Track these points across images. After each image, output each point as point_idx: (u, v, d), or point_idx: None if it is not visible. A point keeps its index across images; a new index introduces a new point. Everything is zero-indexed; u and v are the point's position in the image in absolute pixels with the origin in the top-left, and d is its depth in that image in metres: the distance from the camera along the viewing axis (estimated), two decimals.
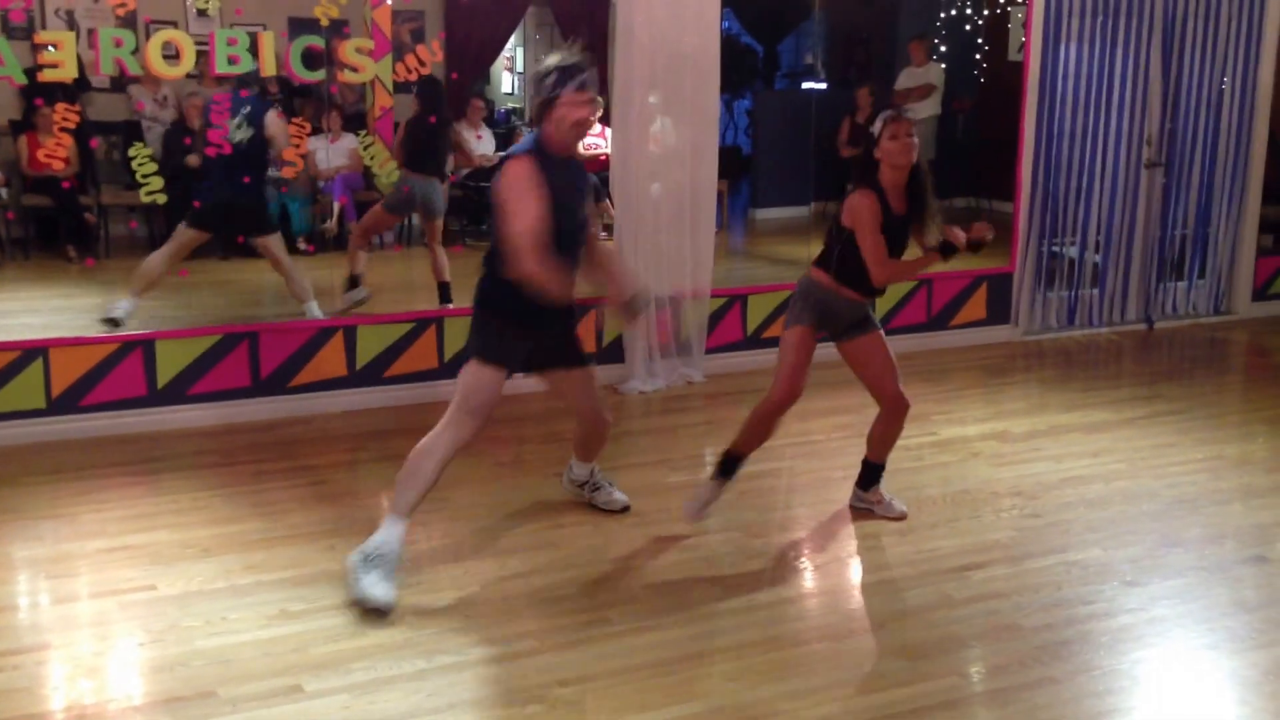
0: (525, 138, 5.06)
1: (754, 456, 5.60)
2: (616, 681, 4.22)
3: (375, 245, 9.29)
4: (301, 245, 9.84)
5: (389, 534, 4.83)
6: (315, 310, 7.82)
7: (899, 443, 5.71)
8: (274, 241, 7.87)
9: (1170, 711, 4.12)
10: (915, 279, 5.46)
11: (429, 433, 4.97)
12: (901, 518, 5.67)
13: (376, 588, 4.68)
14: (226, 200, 7.52)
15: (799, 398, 5.44)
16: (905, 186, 5.34)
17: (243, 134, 7.40)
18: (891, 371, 5.50)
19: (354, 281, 8.36)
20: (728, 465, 5.57)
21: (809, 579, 5.17)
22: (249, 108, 7.41)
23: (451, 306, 8.20)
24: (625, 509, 5.70)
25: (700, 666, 4.34)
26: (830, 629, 4.68)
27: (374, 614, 4.63)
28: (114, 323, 7.26)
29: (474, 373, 5.03)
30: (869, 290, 5.40)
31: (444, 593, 4.89)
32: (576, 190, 5.01)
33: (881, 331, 5.54)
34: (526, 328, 5.02)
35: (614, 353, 7.92)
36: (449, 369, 7.51)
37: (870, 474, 5.76)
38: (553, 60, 4.85)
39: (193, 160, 7.97)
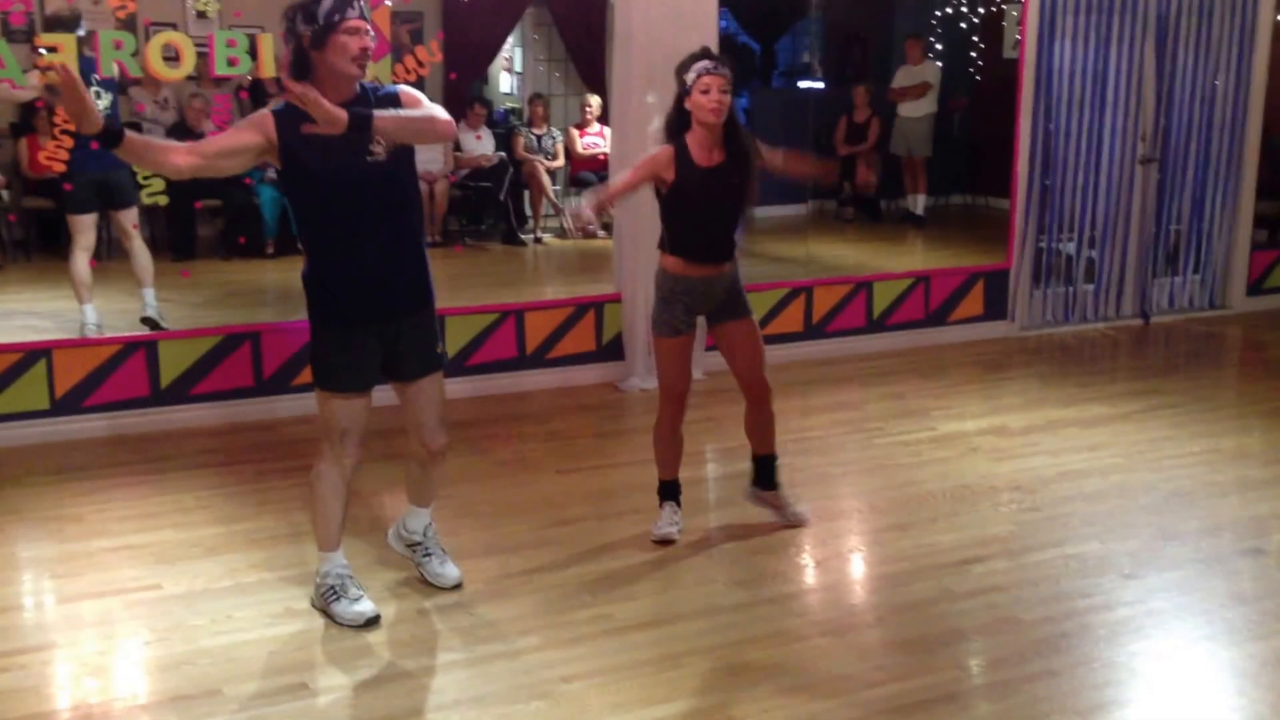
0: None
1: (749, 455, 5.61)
2: (620, 677, 4.24)
3: None
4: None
5: (324, 567, 4.70)
6: (150, 298, 7.81)
7: (899, 438, 5.72)
8: (134, 215, 7.80)
9: (1169, 703, 4.15)
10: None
11: (314, 470, 4.65)
12: (801, 524, 5.53)
13: (349, 612, 4.59)
14: (98, 178, 7.44)
15: (684, 403, 5.33)
16: (721, 141, 4.98)
17: (100, 102, 7.31)
18: (749, 358, 5.30)
19: None
20: (675, 493, 5.48)
21: (810, 574, 5.19)
22: (99, 84, 7.31)
23: None
24: (456, 586, 4.90)
25: (703, 662, 4.36)
26: (831, 624, 4.70)
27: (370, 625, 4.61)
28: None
29: (321, 401, 4.52)
30: (702, 253, 5.07)
31: (447, 590, 4.91)
32: (363, 143, 4.22)
33: (753, 318, 5.29)
34: (353, 326, 4.43)
35: (614, 350, 7.95)
36: (450, 369, 7.51)
37: (763, 468, 5.53)
38: None
39: None
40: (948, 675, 4.29)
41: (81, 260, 7.60)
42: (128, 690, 4.20)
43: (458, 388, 7.17)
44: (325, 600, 4.65)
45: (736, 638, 4.54)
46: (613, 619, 4.67)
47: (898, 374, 8.25)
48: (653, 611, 4.75)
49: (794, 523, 5.52)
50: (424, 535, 4.97)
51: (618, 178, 5.15)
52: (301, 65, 4.15)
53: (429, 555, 4.95)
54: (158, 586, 4.95)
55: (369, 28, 4.18)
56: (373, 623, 4.58)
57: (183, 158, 4.14)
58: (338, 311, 4.41)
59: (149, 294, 7.82)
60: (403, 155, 4.39)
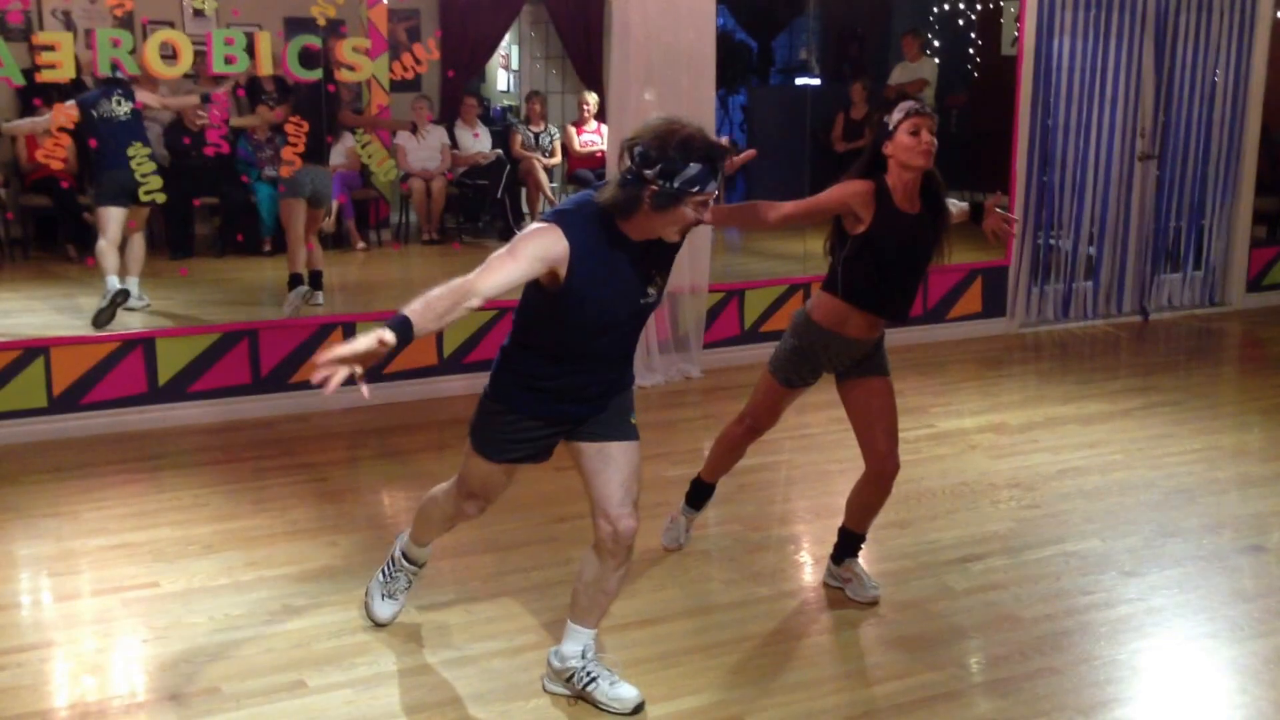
0: (583, 200, 3.72)
1: (757, 452, 5.58)
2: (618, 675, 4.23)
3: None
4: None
5: (412, 552, 4.47)
6: (135, 287, 7.85)
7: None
8: (146, 211, 7.85)
9: (1171, 701, 4.15)
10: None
11: (444, 484, 4.27)
12: (874, 603, 4.82)
13: (380, 607, 4.54)
14: (128, 174, 7.39)
15: (762, 434, 5.07)
16: (918, 190, 4.55)
17: (123, 108, 7.32)
18: (887, 427, 4.71)
19: (294, 281, 8.24)
20: (696, 495, 5.27)
21: (809, 571, 5.18)
22: (120, 88, 7.34)
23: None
24: (639, 708, 4.05)
25: (702, 659, 4.36)
26: (831, 621, 4.70)
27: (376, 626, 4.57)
28: (110, 312, 7.37)
29: (468, 455, 4.07)
30: (881, 307, 4.62)
31: (445, 588, 4.90)
32: (643, 275, 3.76)
33: (889, 379, 4.77)
34: (542, 421, 3.92)
35: None
36: (448, 365, 7.54)
37: (846, 544, 4.92)
38: (693, 137, 3.54)
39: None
40: (948, 673, 4.28)
41: (109, 247, 7.67)
42: (126, 688, 4.19)
43: (454, 385, 7.18)
44: (381, 583, 4.54)
45: (734, 636, 4.54)
46: (610, 616, 4.63)
47: (896, 371, 8.08)
48: (650, 609, 4.75)
49: (866, 601, 4.84)
50: (582, 659, 4.08)
51: (791, 203, 4.62)
52: (625, 205, 3.59)
53: (594, 679, 4.06)
54: (155, 584, 4.94)
55: (715, 197, 3.67)
56: (379, 625, 4.56)
57: (474, 306, 3.55)
58: (533, 405, 3.89)
59: (133, 284, 7.84)
60: (665, 288, 3.92)
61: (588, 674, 4.05)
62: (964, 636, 4.55)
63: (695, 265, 7.97)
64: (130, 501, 5.86)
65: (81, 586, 4.97)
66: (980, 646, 4.48)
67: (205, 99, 7.63)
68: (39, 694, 4.13)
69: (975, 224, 4.83)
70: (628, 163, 3.57)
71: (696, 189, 3.52)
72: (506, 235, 11.45)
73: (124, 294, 7.47)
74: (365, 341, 3.26)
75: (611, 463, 3.90)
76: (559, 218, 3.62)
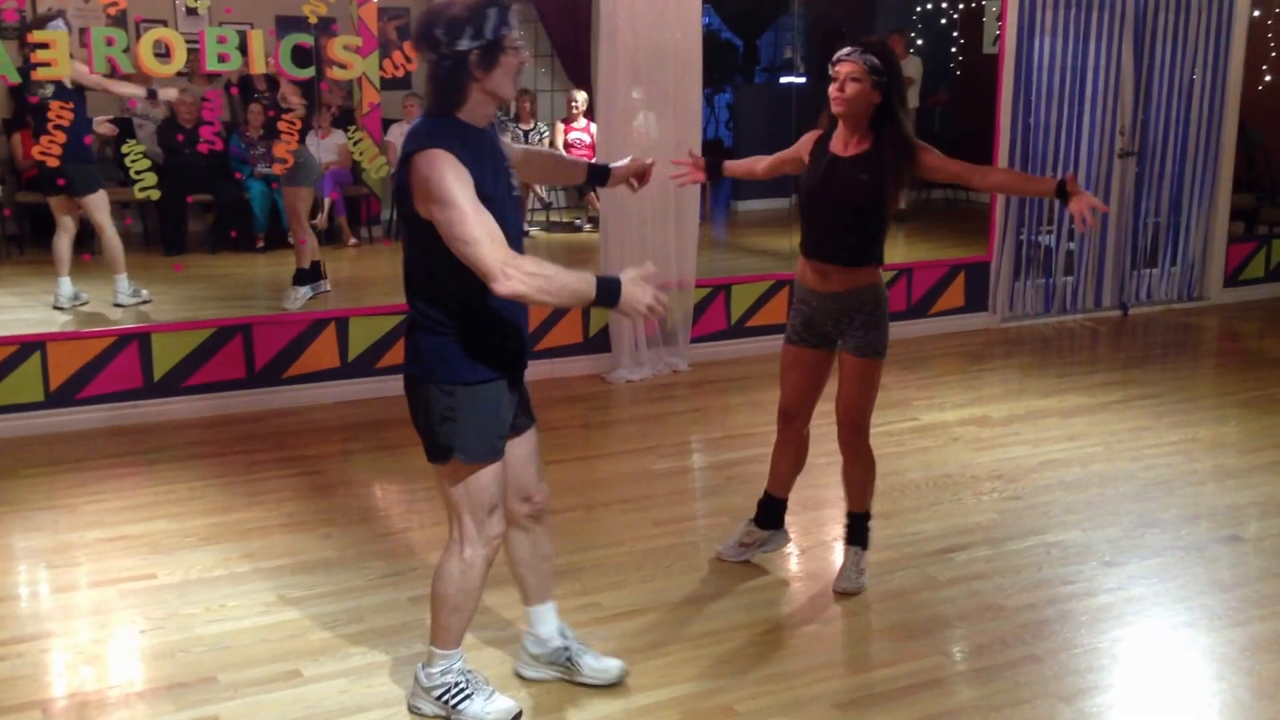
0: (425, 125, 3.55)
1: (745, 444, 5.62)
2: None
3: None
4: (292, 240, 9.90)
5: (442, 665, 3.94)
6: (123, 285, 7.90)
7: (882, 428, 5.68)
8: (98, 201, 7.76)
9: (1149, 688, 4.22)
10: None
11: (448, 561, 3.81)
12: (859, 593, 4.86)
13: (491, 709, 3.92)
14: (54, 168, 7.27)
15: (794, 422, 4.96)
16: (864, 133, 4.56)
17: (46, 90, 7.11)
18: (845, 404, 4.76)
19: (300, 276, 8.27)
20: (764, 512, 5.14)
21: (795, 562, 5.25)
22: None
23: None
24: (622, 678, 4.17)
25: (690, 648, 4.42)
26: (817, 611, 4.77)
27: None
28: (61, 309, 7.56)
29: (467, 478, 3.72)
30: (810, 249, 4.68)
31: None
32: (506, 165, 3.71)
33: (869, 361, 4.68)
34: (506, 377, 3.80)
35: (601, 342, 8.00)
36: None
37: (851, 528, 4.98)
38: None
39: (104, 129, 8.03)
40: (931, 661, 4.35)
41: (61, 239, 7.75)
42: (124, 678, 4.25)
43: None
44: (452, 699, 3.93)
45: (722, 625, 4.60)
46: (601, 607, 4.72)
47: None
48: (639, 600, 4.81)
49: (853, 591, 4.88)
50: (561, 637, 4.16)
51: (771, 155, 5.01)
52: (458, 92, 3.52)
53: (575, 656, 4.16)
54: (152, 576, 5.00)
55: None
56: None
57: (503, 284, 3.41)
58: (496, 360, 3.75)
59: (121, 280, 7.89)
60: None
61: (568, 653, 4.15)
62: (947, 626, 4.62)
63: (682, 260, 8.04)
64: (126, 494, 5.91)
65: (79, 578, 5.02)
66: (963, 635, 4.55)
67: (151, 95, 7.63)
68: (38, 684, 4.18)
69: (1062, 202, 4.74)
70: (431, 55, 3.51)
71: (506, 28, 3.49)
72: None
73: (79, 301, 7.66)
74: (642, 281, 3.61)
75: (529, 447, 4.01)
76: (434, 143, 3.44)
